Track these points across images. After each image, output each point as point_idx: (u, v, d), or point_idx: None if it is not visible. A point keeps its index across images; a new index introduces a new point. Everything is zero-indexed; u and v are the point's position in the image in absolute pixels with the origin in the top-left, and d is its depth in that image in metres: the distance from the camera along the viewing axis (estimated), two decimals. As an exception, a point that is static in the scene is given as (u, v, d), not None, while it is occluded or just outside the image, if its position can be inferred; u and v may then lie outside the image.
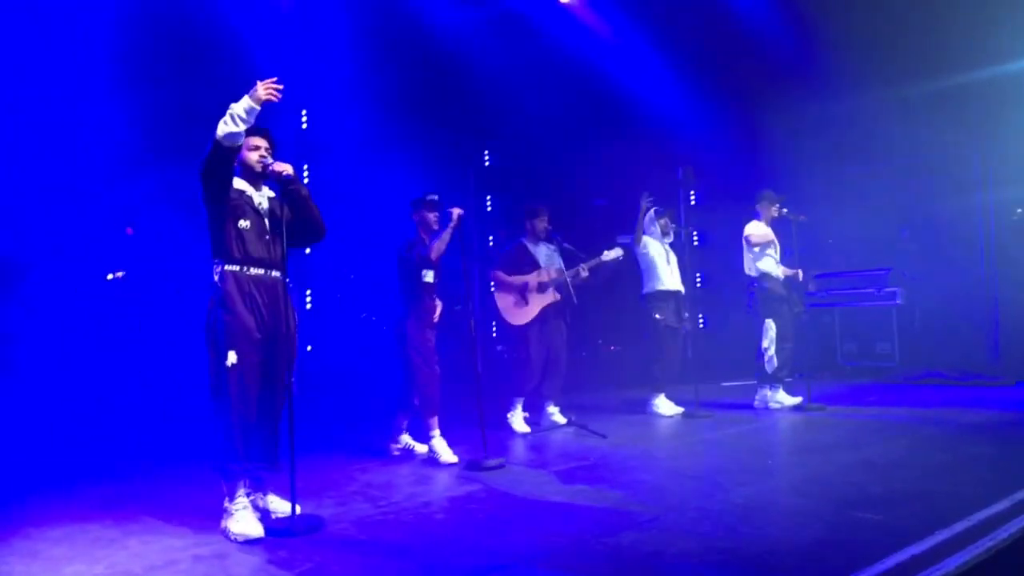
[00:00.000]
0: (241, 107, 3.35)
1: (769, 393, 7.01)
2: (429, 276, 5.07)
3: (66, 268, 6.63)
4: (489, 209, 10.15)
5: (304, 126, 8.56)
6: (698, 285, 10.76)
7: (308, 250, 8.34)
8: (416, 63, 8.71)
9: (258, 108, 3.38)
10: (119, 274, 6.81)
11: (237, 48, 6.99)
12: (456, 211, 4.96)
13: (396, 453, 5.27)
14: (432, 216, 5.11)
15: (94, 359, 6.56)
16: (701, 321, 10.98)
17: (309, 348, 8.12)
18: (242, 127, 3.36)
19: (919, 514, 3.31)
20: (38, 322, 6.39)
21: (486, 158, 10.37)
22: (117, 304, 6.84)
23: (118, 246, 6.96)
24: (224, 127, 3.34)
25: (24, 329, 6.31)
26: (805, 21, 9.05)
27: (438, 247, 4.96)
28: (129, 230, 6.98)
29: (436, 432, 5.02)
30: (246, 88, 3.40)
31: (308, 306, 8.31)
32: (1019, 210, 9.11)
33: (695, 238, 11.00)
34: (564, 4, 9.00)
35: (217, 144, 3.36)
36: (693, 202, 11.27)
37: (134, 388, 6.59)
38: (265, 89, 3.39)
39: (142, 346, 6.76)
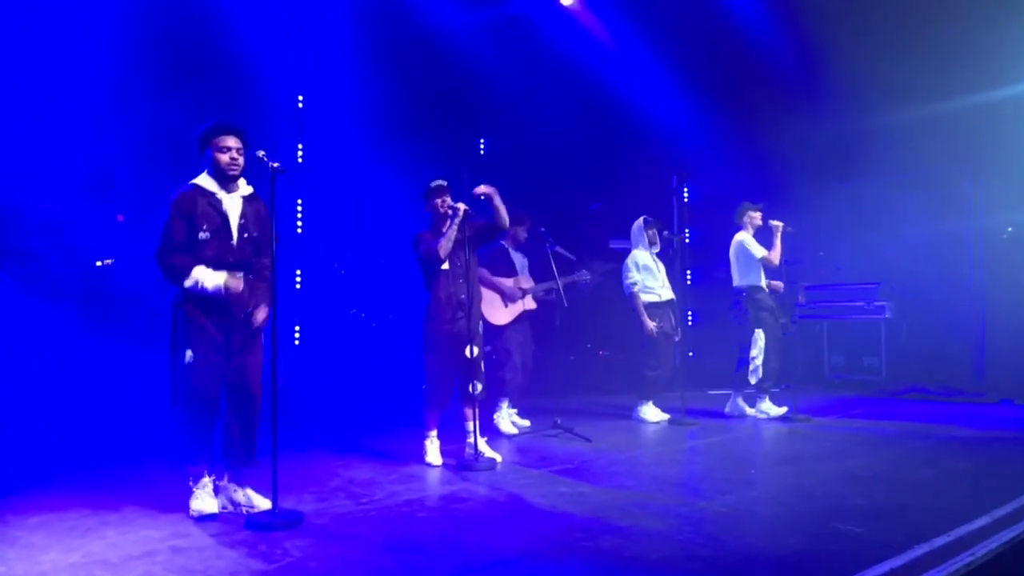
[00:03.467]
0: (211, 284, 3.51)
1: (741, 401, 7.11)
2: (445, 266, 4.93)
3: (55, 254, 6.59)
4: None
5: (300, 106, 8.50)
6: (688, 283, 10.78)
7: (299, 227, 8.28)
8: (415, 61, 8.69)
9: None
10: (108, 261, 6.77)
11: (235, 37, 6.96)
12: (460, 206, 4.94)
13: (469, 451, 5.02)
14: (440, 202, 4.98)
15: (81, 346, 6.52)
16: (690, 318, 10.99)
17: (297, 338, 8.08)
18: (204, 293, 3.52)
19: (899, 528, 3.32)
20: (25, 307, 6.34)
21: (481, 147, 10.36)
22: (106, 291, 6.80)
23: (109, 233, 6.92)
24: (189, 283, 3.50)
25: (10, 315, 6.27)
26: (804, 37, 9.11)
27: (444, 244, 4.86)
28: (120, 217, 6.95)
29: (433, 433, 4.96)
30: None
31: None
32: (1009, 229, 9.17)
33: (687, 236, 11.02)
34: (565, 6, 9.00)
35: (176, 282, 3.54)
36: (686, 199, 11.29)
37: (121, 377, 6.55)
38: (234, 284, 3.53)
39: (130, 334, 6.72)
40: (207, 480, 3.60)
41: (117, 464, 4.84)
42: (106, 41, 6.55)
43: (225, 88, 6.64)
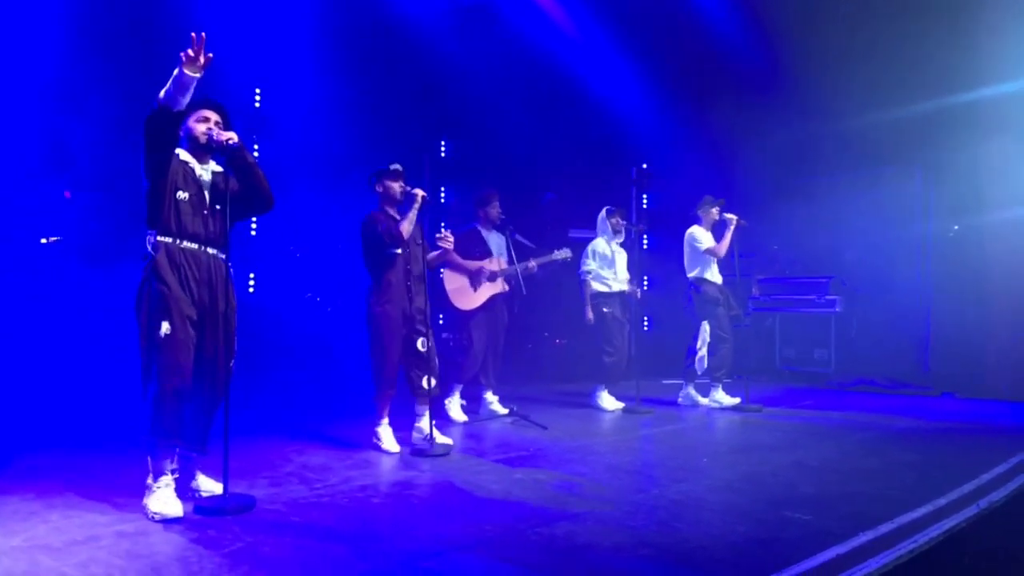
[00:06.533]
0: (183, 79, 3.22)
1: (692, 391, 7.24)
2: (398, 249, 4.90)
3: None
4: (443, 200, 10.08)
5: (257, 103, 8.36)
6: (645, 288, 10.87)
7: (254, 227, 8.17)
8: (375, 50, 8.58)
9: (195, 76, 3.23)
10: (54, 239, 6.57)
11: (190, 22, 6.76)
12: (420, 192, 4.90)
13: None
14: (396, 186, 4.92)
15: (23, 326, 6.32)
16: (646, 324, 11.11)
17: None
18: (180, 95, 3.25)
19: (846, 515, 3.40)
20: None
21: (442, 149, 10.29)
22: (50, 270, 6.59)
23: (55, 209, 6.71)
24: (164, 91, 3.24)
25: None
26: (765, 36, 9.25)
27: (407, 227, 4.83)
28: (67, 193, 6.74)
29: (385, 420, 4.90)
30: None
31: (251, 288, 8.12)
32: (956, 227, 9.43)
33: (645, 242, 11.12)
34: (527, -4, 8.97)
35: (158, 107, 3.26)
36: (645, 205, 11.40)
37: (65, 359, 6.36)
38: (192, 59, 3.20)
39: (75, 315, 6.53)
40: (168, 475, 3.35)
41: (62, 448, 4.70)
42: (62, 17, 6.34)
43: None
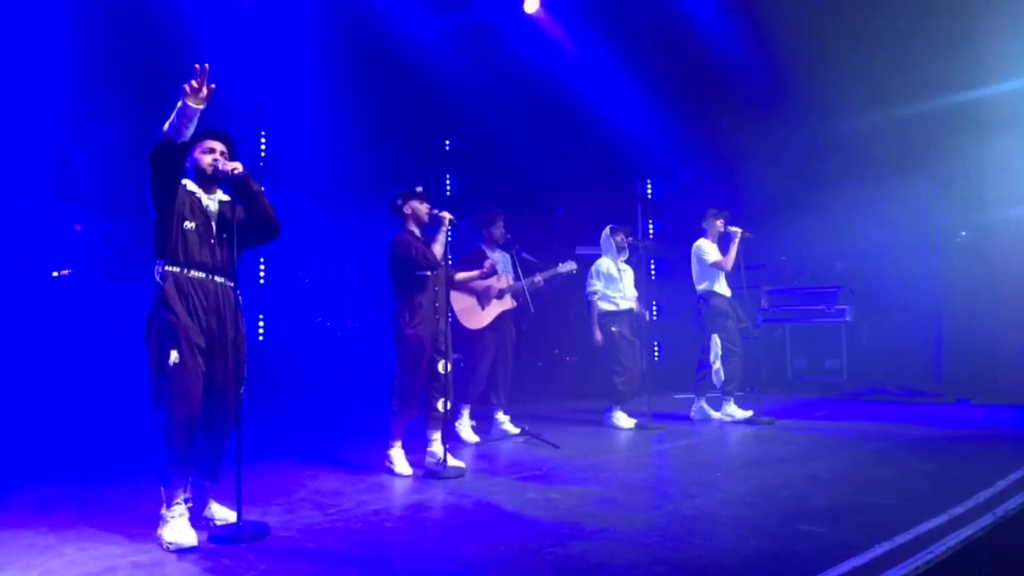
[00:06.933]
0: (186, 111, 3.27)
1: (704, 405, 7.21)
2: (428, 274, 4.95)
3: (9, 264, 6.43)
4: (448, 191, 10.17)
5: (263, 147, 8.43)
6: (654, 317, 10.81)
7: (262, 272, 8.21)
8: (378, 69, 8.66)
9: (198, 108, 3.28)
10: (65, 272, 6.63)
11: (194, 46, 6.86)
12: (447, 215, 4.95)
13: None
14: (424, 208, 4.99)
15: (36, 359, 6.37)
16: (656, 351, 11.06)
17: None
18: (183, 126, 3.29)
19: (861, 527, 3.37)
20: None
21: (446, 146, 10.35)
22: (62, 303, 6.65)
23: (65, 243, 6.78)
24: (168, 123, 3.28)
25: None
26: (765, 44, 9.26)
27: (438, 250, 4.92)
28: (77, 227, 6.81)
29: (399, 442, 4.89)
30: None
31: (260, 329, 8.14)
32: (963, 233, 9.40)
33: (652, 269, 11.08)
34: (529, 14, 9.03)
35: (163, 139, 3.30)
36: (651, 233, 11.41)
37: (77, 390, 6.40)
38: (196, 90, 3.25)
39: (87, 347, 6.58)
40: (182, 504, 3.35)
41: (75, 480, 4.72)
42: (64, 44, 6.43)
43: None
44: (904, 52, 8.52)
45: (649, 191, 11.39)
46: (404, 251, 4.89)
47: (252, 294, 7.88)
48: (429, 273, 4.93)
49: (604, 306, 6.84)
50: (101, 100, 6.65)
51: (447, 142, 10.29)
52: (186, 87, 3.24)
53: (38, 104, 6.48)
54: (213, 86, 3.29)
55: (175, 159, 3.38)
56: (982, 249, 8.93)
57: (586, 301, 6.93)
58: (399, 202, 5.05)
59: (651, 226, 11.45)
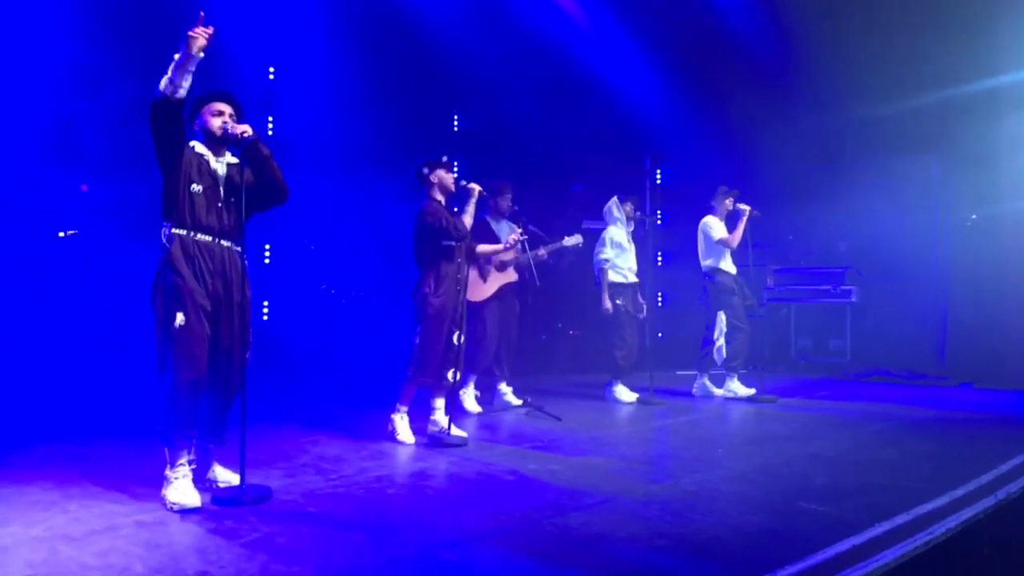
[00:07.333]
0: (185, 60, 3.24)
1: (707, 382, 7.23)
2: (454, 244, 4.93)
3: (15, 224, 6.42)
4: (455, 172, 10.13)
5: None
6: (659, 264, 10.85)
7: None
8: (388, 39, 8.57)
9: (197, 57, 3.25)
10: (71, 232, 6.61)
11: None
12: (476, 187, 4.95)
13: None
14: (450, 177, 4.96)
15: (41, 319, 6.38)
16: (660, 299, 11.07)
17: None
18: (181, 80, 3.25)
19: (862, 507, 3.38)
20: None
21: (455, 122, 10.28)
22: (68, 263, 6.65)
23: (72, 203, 6.76)
24: (165, 79, 3.25)
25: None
26: (779, 23, 9.19)
27: (468, 221, 4.95)
28: (84, 187, 6.78)
29: (406, 408, 4.90)
30: (209, 46, 3.28)
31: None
32: (973, 217, 9.34)
33: (659, 217, 11.07)
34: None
35: (161, 97, 3.26)
36: (659, 180, 11.32)
37: (83, 351, 6.43)
38: (196, 39, 3.24)
39: (92, 307, 6.59)
40: (186, 466, 3.38)
41: (80, 439, 4.75)
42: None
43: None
44: (919, 38, 8.45)
45: (659, 176, 11.31)
46: (435, 220, 4.84)
47: (258, 265, 7.88)
48: (455, 244, 4.91)
49: (614, 276, 6.79)
50: (107, 59, 6.57)
51: (455, 118, 10.20)
52: (190, 34, 3.22)
53: (43, 64, 6.42)
54: (212, 29, 3.27)
55: (175, 117, 3.34)
56: (991, 234, 8.88)
57: (595, 269, 6.88)
58: (425, 170, 4.99)
59: (659, 176, 11.35)
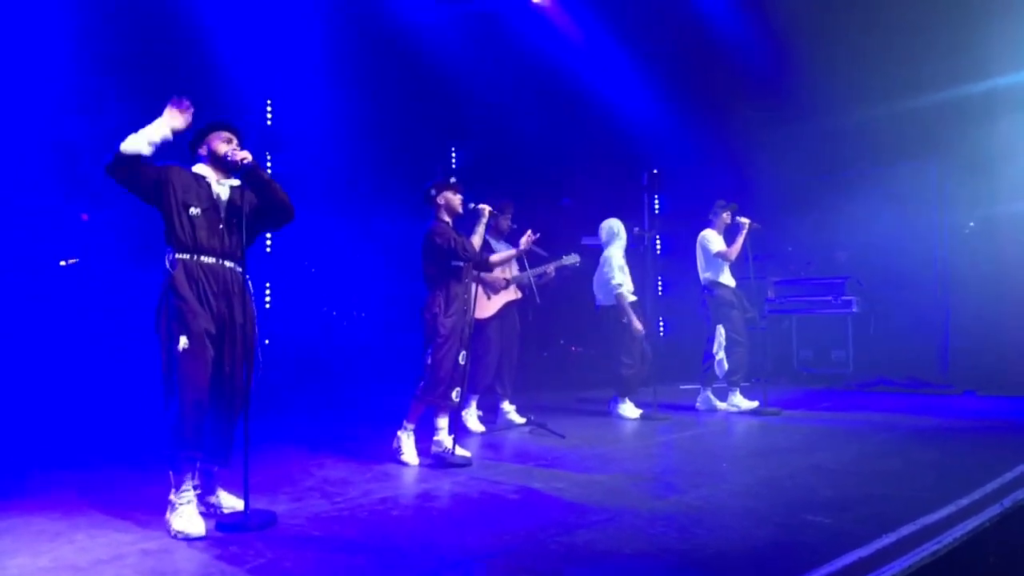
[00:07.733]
0: (158, 134, 3.36)
1: (710, 396, 7.21)
2: (463, 265, 4.96)
3: (17, 253, 6.45)
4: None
5: (269, 121, 8.44)
6: (660, 292, 10.86)
7: (269, 246, 8.23)
8: (385, 59, 8.65)
9: (181, 130, 3.41)
10: (72, 260, 6.65)
11: (201, 36, 6.85)
12: (486, 208, 4.97)
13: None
14: (457, 199, 4.98)
15: (44, 348, 6.40)
16: (661, 327, 11.10)
17: (267, 341, 8.02)
18: (149, 151, 3.36)
19: (867, 518, 3.38)
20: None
21: (453, 158, 10.34)
22: (70, 291, 6.67)
23: (73, 231, 6.79)
24: (133, 144, 3.31)
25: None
26: (774, 35, 9.24)
27: (477, 242, 4.96)
28: (84, 216, 6.82)
29: (413, 426, 4.90)
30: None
31: (267, 303, 8.19)
32: (971, 224, 9.36)
33: (658, 244, 11.11)
34: (536, 4, 9.00)
35: (125, 155, 3.32)
36: (657, 210, 11.39)
37: (85, 378, 6.44)
38: (181, 116, 3.41)
39: (95, 335, 6.61)
40: (191, 491, 3.39)
41: (85, 467, 4.75)
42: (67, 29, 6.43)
43: (193, 88, 6.55)
44: (915, 43, 8.49)
45: (656, 181, 11.36)
46: (443, 241, 4.86)
47: (258, 279, 7.90)
48: (463, 264, 4.94)
49: (630, 298, 6.79)
50: (108, 86, 6.63)
51: (453, 151, 10.29)
52: (173, 106, 3.39)
53: (44, 92, 6.48)
54: (192, 110, 3.46)
55: (135, 167, 3.38)
56: (990, 241, 8.90)
57: (613, 295, 6.78)
58: (432, 192, 5.02)
59: (657, 204, 11.39)
